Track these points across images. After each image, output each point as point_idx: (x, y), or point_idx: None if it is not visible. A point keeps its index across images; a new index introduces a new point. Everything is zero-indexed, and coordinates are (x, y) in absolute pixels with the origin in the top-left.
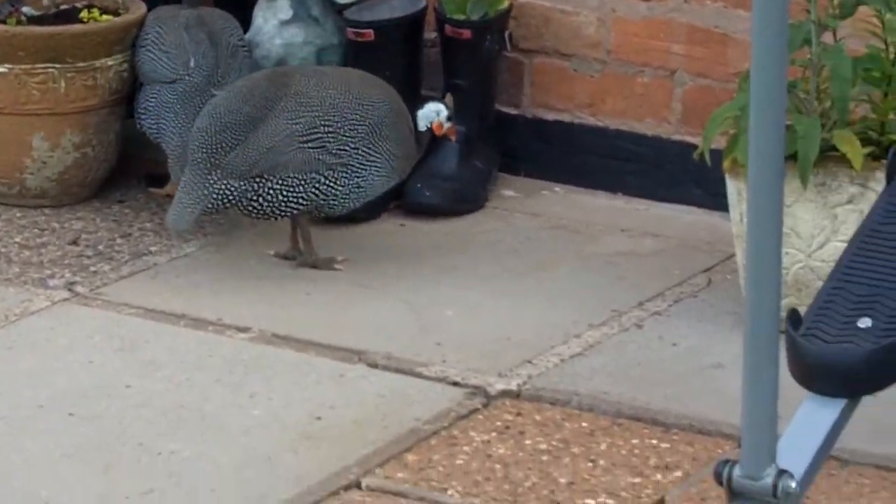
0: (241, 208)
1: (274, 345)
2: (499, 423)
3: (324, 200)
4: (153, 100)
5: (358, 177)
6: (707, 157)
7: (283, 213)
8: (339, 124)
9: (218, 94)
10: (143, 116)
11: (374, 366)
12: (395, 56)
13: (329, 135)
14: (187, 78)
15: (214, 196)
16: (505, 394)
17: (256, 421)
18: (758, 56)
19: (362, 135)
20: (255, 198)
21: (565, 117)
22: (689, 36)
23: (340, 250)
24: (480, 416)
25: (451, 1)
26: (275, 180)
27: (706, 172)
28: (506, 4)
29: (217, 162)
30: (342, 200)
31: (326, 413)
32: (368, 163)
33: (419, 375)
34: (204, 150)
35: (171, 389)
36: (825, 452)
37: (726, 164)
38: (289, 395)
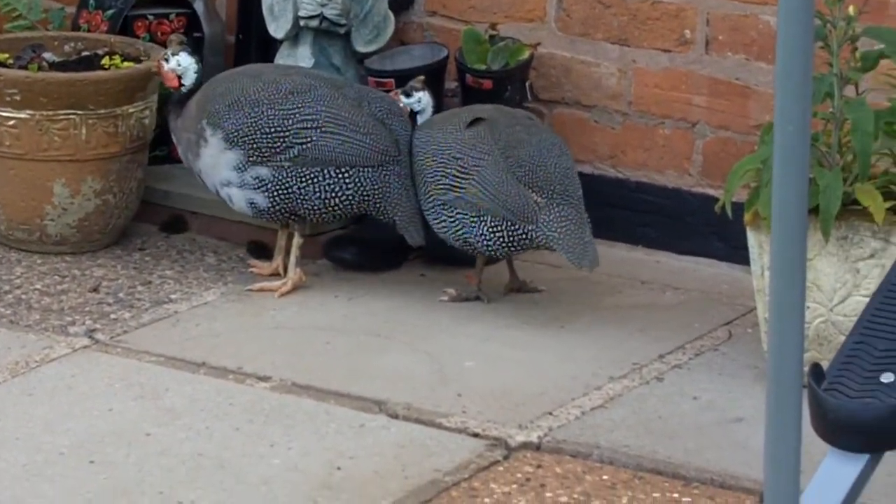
0: None
1: (294, 394)
2: (519, 476)
3: None
4: (370, 181)
5: None
6: (729, 209)
7: None
8: None
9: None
10: (367, 199)
11: (394, 416)
12: None
13: None
14: (400, 157)
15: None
16: (525, 446)
17: (276, 470)
18: (781, 109)
19: None
20: None
21: (586, 168)
22: (711, 88)
23: (362, 301)
24: (501, 468)
25: (472, 51)
26: None
27: (727, 225)
28: (526, 55)
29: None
30: None
31: (346, 463)
32: None
33: (439, 426)
34: (579, 191)
35: (190, 438)
36: None
37: (748, 217)
38: (309, 445)
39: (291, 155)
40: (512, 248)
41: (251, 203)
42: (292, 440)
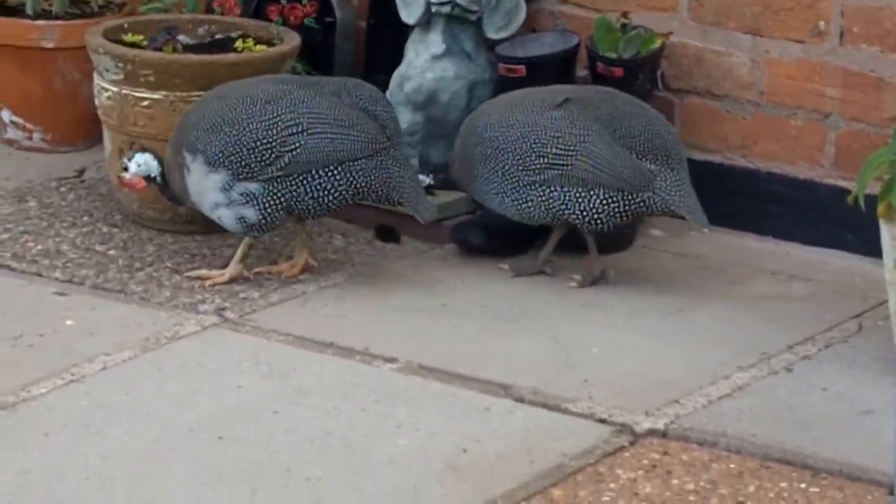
0: None
1: (420, 376)
2: (645, 462)
3: None
4: (362, 173)
5: None
6: (861, 201)
7: None
8: None
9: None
10: (362, 190)
11: (520, 400)
12: None
13: None
14: (390, 142)
15: None
16: (652, 432)
17: (402, 451)
18: None
19: None
20: None
21: (716, 158)
22: (844, 79)
23: (489, 285)
24: (627, 454)
25: (604, 39)
26: None
27: (858, 217)
28: (658, 44)
29: None
30: None
31: (472, 446)
32: None
33: (565, 411)
34: (686, 156)
35: (317, 417)
36: None
37: (881, 209)
38: (435, 427)
39: (282, 164)
40: (626, 218)
41: (240, 219)
42: (419, 421)
